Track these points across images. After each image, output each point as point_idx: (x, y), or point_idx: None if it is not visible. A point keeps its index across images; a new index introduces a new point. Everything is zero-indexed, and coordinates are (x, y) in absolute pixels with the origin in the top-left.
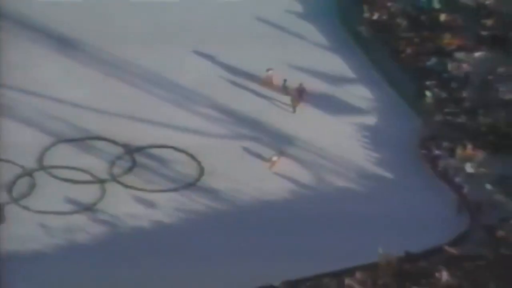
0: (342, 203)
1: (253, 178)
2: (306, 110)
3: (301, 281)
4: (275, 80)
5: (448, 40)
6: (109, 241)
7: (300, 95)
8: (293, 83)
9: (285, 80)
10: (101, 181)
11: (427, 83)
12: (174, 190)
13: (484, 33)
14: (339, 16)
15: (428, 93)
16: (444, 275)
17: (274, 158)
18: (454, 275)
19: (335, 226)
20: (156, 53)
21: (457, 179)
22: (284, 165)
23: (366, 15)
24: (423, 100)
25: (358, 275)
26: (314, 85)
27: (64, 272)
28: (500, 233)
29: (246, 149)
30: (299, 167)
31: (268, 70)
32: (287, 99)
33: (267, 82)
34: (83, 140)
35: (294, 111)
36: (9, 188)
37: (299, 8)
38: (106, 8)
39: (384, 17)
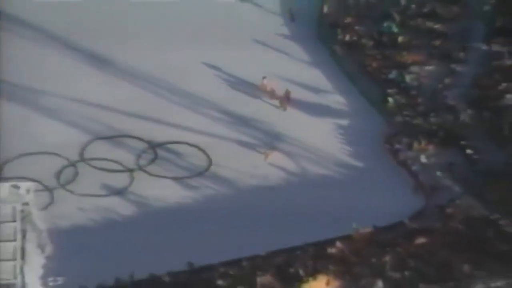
0: (321, 186)
1: (251, 167)
2: (293, 113)
3: (291, 249)
4: (268, 87)
5: (405, 56)
6: (136, 217)
7: (286, 98)
8: (281, 90)
9: (273, 89)
10: (130, 170)
11: (389, 91)
12: (188, 177)
13: (433, 51)
14: (319, 38)
15: (390, 99)
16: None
17: (268, 151)
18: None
19: (316, 203)
20: (167, 60)
21: (414, 167)
22: (275, 156)
23: (340, 37)
24: (386, 105)
25: (337, 244)
26: (299, 92)
27: (101, 241)
28: (449, 210)
29: (245, 144)
30: (287, 158)
31: (263, 78)
32: (277, 102)
33: (263, 88)
34: (115, 138)
35: (285, 109)
36: (57, 176)
37: (286, 31)
38: (110, 9)
39: (354, 39)
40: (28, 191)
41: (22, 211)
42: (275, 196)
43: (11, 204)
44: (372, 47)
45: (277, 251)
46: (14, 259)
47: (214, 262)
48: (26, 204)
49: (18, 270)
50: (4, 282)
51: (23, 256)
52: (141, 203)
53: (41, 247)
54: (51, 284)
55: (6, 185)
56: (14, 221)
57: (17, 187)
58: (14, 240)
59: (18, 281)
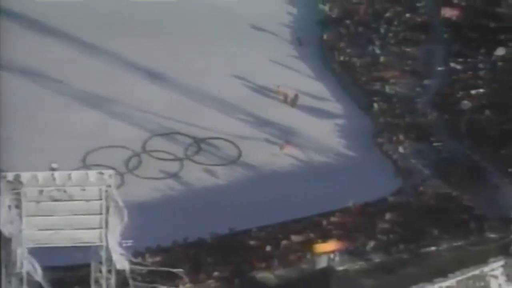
0: (323, 170)
1: (271, 156)
2: (302, 115)
3: (303, 218)
4: (282, 93)
5: (385, 72)
6: (186, 194)
7: (295, 100)
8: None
9: (286, 94)
10: (180, 159)
11: (374, 98)
12: (224, 164)
13: (407, 68)
14: (321, 58)
15: (375, 105)
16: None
17: (283, 144)
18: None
19: (320, 183)
20: (205, 74)
21: (394, 156)
22: (289, 148)
23: (336, 57)
24: (372, 109)
25: (338, 214)
26: (306, 99)
27: (160, 212)
28: (421, 188)
29: (266, 139)
30: (297, 149)
31: (278, 86)
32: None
33: (278, 93)
34: (168, 134)
35: (294, 107)
36: (126, 163)
37: (296, 53)
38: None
39: (347, 59)
40: (110, 176)
41: (106, 191)
42: (289, 177)
43: (98, 187)
44: (361, 65)
45: (293, 220)
46: (101, 228)
47: (247, 227)
48: (109, 186)
49: (103, 235)
50: (94, 244)
51: (107, 225)
52: (189, 184)
53: (120, 218)
54: (124, 245)
55: (94, 172)
56: (101, 199)
57: (102, 173)
58: (101, 213)
59: (104, 243)
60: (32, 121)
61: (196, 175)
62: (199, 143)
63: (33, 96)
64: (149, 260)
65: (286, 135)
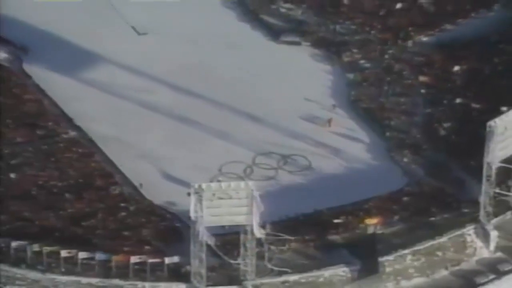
0: (360, 173)
1: (327, 166)
2: (342, 140)
3: (354, 202)
4: (330, 124)
5: (390, 113)
6: (280, 190)
7: (330, 123)
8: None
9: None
10: (275, 168)
11: (386, 129)
12: (301, 171)
13: (403, 109)
14: (351, 105)
15: (387, 133)
16: None
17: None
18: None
19: (358, 181)
20: (282, 111)
21: (401, 164)
22: (336, 161)
23: (361, 105)
24: (385, 135)
25: (374, 199)
26: (344, 131)
27: (270, 200)
28: (421, 182)
29: (322, 154)
30: (341, 160)
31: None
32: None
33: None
34: (267, 153)
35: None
36: (244, 171)
37: (330, 101)
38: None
39: (367, 106)
40: (252, 184)
41: (251, 193)
42: (338, 178)
43: (246, 191)
44: (375, 109)
45: (349, 204)
46: (247, 214)
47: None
48: (252, 190)
49: (249, 219)
50: (243, 224)
51: (251, 213)
52: (282, 183)
53: (258, 208)
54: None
55: (244, 182)
56: (248, 198)
57: (248, 183)
58: (247, 206)
59: (249, 223)
60: (189, 153)
61: (286, 178)
62: (285, 158)
63: (182, 136)
64: (267, 230)
65: (332, 151)
